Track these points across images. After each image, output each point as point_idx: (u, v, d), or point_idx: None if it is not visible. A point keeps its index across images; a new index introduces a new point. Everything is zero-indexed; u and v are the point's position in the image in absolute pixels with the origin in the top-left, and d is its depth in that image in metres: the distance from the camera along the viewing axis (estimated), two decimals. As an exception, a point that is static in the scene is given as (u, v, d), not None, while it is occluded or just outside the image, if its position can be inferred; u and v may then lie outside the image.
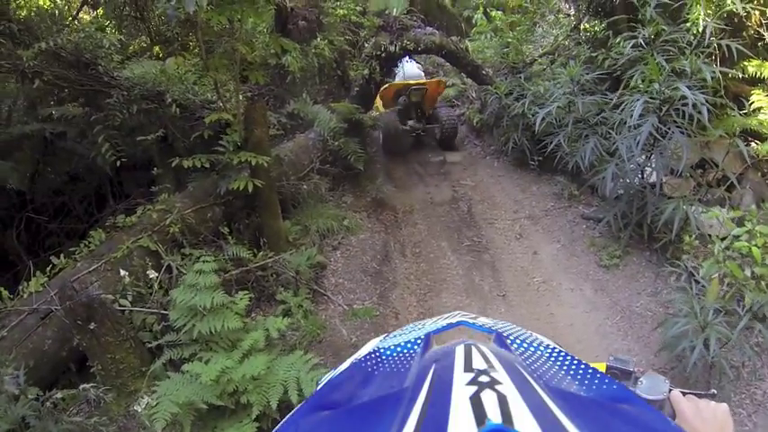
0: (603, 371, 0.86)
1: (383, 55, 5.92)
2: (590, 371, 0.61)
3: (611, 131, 4.35)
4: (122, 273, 3.81)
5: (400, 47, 5.86)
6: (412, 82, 6.82)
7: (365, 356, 0.70)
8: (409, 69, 7.03)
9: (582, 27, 6.41)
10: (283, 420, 0.53)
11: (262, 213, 5.02)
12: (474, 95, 7.68)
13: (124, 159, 4.83)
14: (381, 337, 0.80)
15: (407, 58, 7.04)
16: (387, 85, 6.89)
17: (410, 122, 6.98)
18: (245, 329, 3.50)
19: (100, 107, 4.84)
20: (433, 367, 0.47)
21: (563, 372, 0.62)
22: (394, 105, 7.18)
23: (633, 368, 0.90)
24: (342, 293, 4.65)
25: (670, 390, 0.83)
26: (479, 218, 5.77)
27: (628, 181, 4.18)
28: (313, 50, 6.75)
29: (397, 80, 7.00)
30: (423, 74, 7.31)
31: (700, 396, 0.81)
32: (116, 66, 4.91)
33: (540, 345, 0.69)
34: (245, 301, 3.54)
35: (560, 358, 0.65)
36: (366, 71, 5.98)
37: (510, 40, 6.51)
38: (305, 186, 5.62)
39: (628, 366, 0.90)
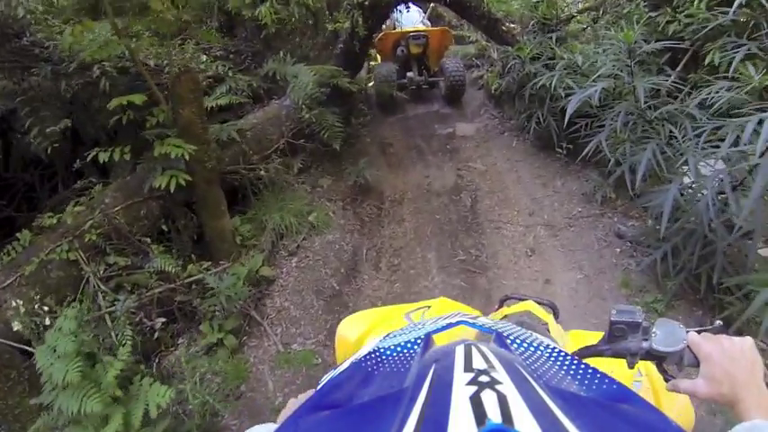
0: (608, 329, 0.82)
1: (366, 3, 4.53)
2: (590, 371, 0.60)
3: (675, 134, 3.02)
4: (14, 303, 2.94)
5: (389, -9, 4.46)
6: (410, 29, 5.81)
7: (365, 356, 0.69)
8: (409, 17, 6.04)
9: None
10: (283, 420, 0.56)
11: (200, 212, 3.97)
12: (495, 56, 6.21)
13: (55, 145, 3.75)
14: (381, 337, 0.79)
15: (405, 6, 5.83)
16: (383, 34, 5.93)
17: (409, 74, 5.95)
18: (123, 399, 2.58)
19: (30, 85, 3.82)
20: (433, 367, 0.46)
21: (563, 372, 0.61)
22: (393, 58, 6.17)
23: (642, 319, 0.80)
24: (283, 324, 3.64)
25: (687, 333, 0.77)
26: (484, 218, 4.54)
27: (693, 219, 2.85)
28: (295, -1, 5.40)
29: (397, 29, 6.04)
30: (428, 23, 6.26)
31: (714, 332, 0.77)
32: (54, 34, 3.84)
33: (540, 345, 0.68)
34: (114, 371, 2.59)
35: (560, 358, 0.64)
36: (347, 24, 4.62)
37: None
38: (263, 172, 4.46)
39: (635, 317, 0.81)
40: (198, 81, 3.80)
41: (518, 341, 0.69)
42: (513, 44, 5.17)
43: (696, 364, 0.76)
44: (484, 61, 6.95)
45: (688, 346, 0.77)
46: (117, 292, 3.25)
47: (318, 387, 0.66)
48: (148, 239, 3.59)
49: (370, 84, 6.26)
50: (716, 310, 2.84)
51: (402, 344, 0.72)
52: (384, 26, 6.31)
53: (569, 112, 3.59)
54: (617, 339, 0.83)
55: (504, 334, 0.70)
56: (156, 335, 3.28)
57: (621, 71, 3.43)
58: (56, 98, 3.91)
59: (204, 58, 5.30)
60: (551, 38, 4.83)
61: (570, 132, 4.45)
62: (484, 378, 0.40)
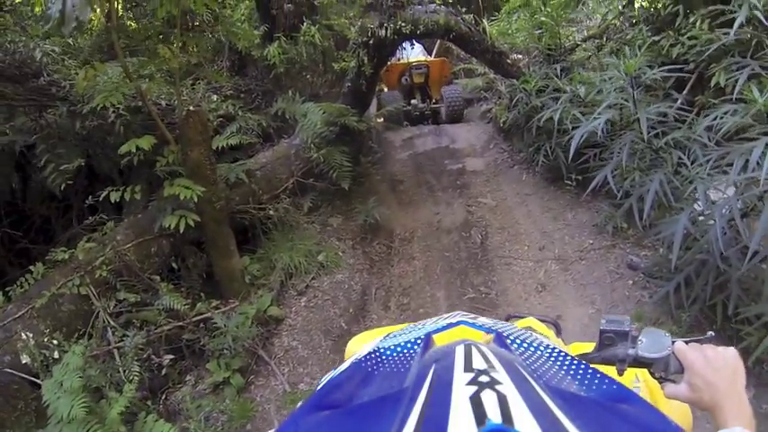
0: (598, 338, 0.83)
1: (371, 42, 4.63)
2: (590, 371, 0.61)
3: (683, 160, 2.95)
4: (24, 336, 3.02)
5: (393, 30, 4.54)
6: (413, 60, 6.26)
7: (365, 356, 0.70)
8: (413, 54, 6.44)
9: (638, 1, 4.86)
10: (283, 420, 0.52)
11: (209, 251, 4.00)
12: (503, 89, 6.27)
13: (69, 182, 3.89)
14: (381, 337, 0.79)
15: (409, 44, 6.35)
16: (389, 65, 6.28)
17: (413, 102, 6.37)
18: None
19: (47, 123, 4.03)
20: (433, 367, 0.46)
21: (563, 372, 0.62)
22: (399, 87, 6.55)
23: (629, 327, 0.84)
24: (290, 364, 3.60)
25: (673, 342, 0.79)
26: (494, 254, 4.47)
27: (705, 247, 2.74)
28: (302, 38, 5.58)
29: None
30: (427, 56, 6.57)
31: (701, 342, 0.79)
32: (71, 74, 4.00)
33: (540, 345, 0.69)
34: (119, 407, 2.58)
35: (560, 358, 0.65)
36: (353, 63, 4.73)
37: (543, 18, 5.03)
38: (272, 212, 4.50)
39: (623, 326, 0.84)
40: (206, 122, 3.89)
41: (518, 341, 0.69)
42: (518, 77, 5.20)
43: (681, 370, 0.78)
44: (492, 94, 7.00)
45: (674, 354, 0.79)
46: (126, 328, 3.27)
47: (318, 387, 0.67)
48: (158, 277, 3.64)
49: (379, 120, 6.34)
50: (734, 341, 2.69)
51: (402, 344, 0.72)
52: (392, 61, 6.65)
53: (574, 146, 3.55)
54: (606, 347, 0.85)
55: (504, 334, 0.70)
56: (163, 371, 3.29)
57: (627, 100, 3.40)
58: (71, 136, 4.07)
59: (215, 97, 5.43)
60: (556, 68, 4.85)
61: (579, 163, 4.39)
62: (484, 378, 0.40)
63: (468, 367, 0.43)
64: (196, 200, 3.59)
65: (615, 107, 3.58)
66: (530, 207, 5.00)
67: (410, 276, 4.40)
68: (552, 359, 0.65)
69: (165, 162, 3.82)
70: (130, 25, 4.49)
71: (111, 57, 5.29)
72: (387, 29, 4.49)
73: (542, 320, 1.29)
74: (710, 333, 0.84)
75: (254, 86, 6.20)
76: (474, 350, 0.48)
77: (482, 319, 0.84)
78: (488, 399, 0.36)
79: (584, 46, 5.28)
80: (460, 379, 0.41)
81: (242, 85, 6.20)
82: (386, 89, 6.70)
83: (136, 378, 2.86)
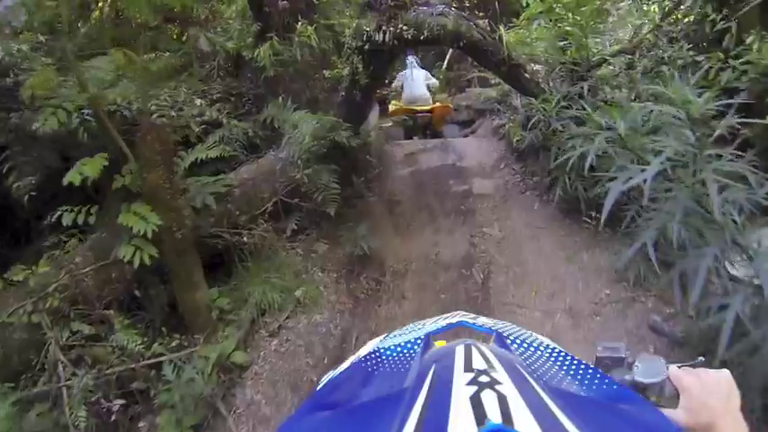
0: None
1: (367, 47, 4.05)
2: (590, 371, 0.62)
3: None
4: None
5: (392, 34, 3.95)
6: (417, 108, 6.28)
7: (365, 356, 0.70)
8: (416, 88, 6.34)
9: (678, 15, 4.22)
10: (284, 420, 0.53)
11: (172, 282, 3.52)
12: (518, 103, 5.66)
13: (33, 193, 3.46)
14: (381, 337, 0.79)
15: (412, 57, 6.38)
16: (394, 107, 6.47)
17: (415, 139, 6.51)
18: None
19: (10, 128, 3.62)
20: (433, 367, 0.47)
21: (563, 372, 0.62)
22: (405, 122, 6.65)
23: (625, 353, 0.83)
24: (250, 422, 3.18)
25: (667, 367, 0.79)
26: (496, 299, 3.90)
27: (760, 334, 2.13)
28: (298, 38, 5.02)
29: (403, 100, 6.41)
30: (428, 93, 6.44)
31: (694, 366, 0.80)
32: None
33: (540, 345, 0.69)
34: None
35: (560, 358, 0.65)
36: (346, 71, 4.15)
37: (569, 28, 4.41)
38: (246, 239, 3.98)
39: (619, 353, 0.83)
40: (168, 139, 3.41)
41: (518, 341, 0.70)
42: (536, 93, 4.59)
43: (676, 395, 0.76)
44: (506, 107, 6.39)
45: (668, 378, 0.77)
46: (77, 364, 2.98)
47: (318, 387, 0.66)
48: (111, 311, 3.22)
49: (387, 124, 5.77)
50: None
51: (402, 344, 0.72)
52: (394, 85, 6.74)
53: (609, 203, 2.63)
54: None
55: (504, 334, 0.71)
56: (112, 417, 2.95)
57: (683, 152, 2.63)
58: (36, 143, 3.59)
59: (199, 102, 4.95)
60: (582, 87, 4.23)
61: (601, 198, 3.78)
62: (484, 378, 0.40)
63: (468, 367, 0.43)
64: (150, 235, 3.11)
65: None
66: (541, 243, 4.41)
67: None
68: (552, 359, 0.65)
69: (122, 183, 3.35)
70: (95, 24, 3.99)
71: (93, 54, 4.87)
72: (385, 33, 3.91)
73: None
74: (701, 358, 0.82)
75: (247, 90, 5.70)
76: (474, 350, 0.48)
77: (482, 320, 0.81)
78: (488, 399, 0.36)
79: (612, 60, 4.63)
80: (460, 379, 0.40)
81: (234, 87, 5.71)
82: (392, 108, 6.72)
83: (82, 424, 2.63)
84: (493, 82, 6.55)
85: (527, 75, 4.73)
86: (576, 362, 0.64)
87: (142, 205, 3.31)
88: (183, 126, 4.38)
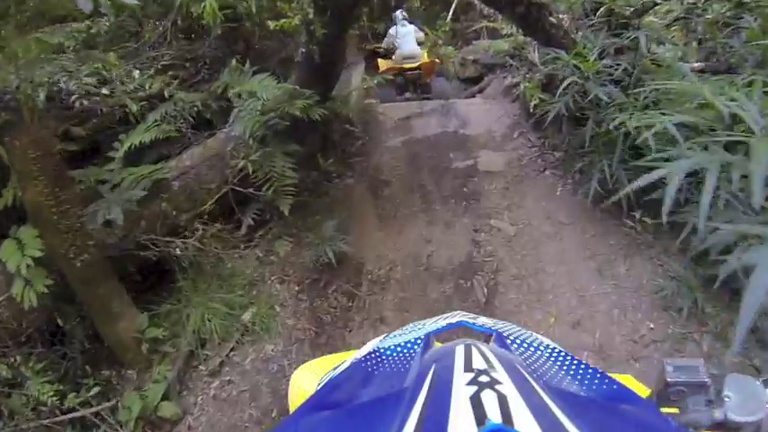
0: (659, 390, 0.66)
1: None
2: (590, 371, 0.60)
3: None
4: None
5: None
6: (407, 66, 6.27)
7: (365, 356, 0.69)
8: (406, 45, 6.29)
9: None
10: (283, 420, 0.52)
11: (89, 313, 2.70)
12: (536, 57, 4.48)
13: None
14: (381, 337, 0.78)
15: (399, 12, 6.44)
16: (385, 67, 6.43)
17: (407, 95, 6.51)
18: None
19: None
20: (433, 367, 0.46)
21: (563, 372, 0.61)
22: (393, 82, 6.36)
23: (707, 377, 0.64)
24: None
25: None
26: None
27: None
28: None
29: (395, 58, 6.40)
30: (419, 49, 6.30)
31: None
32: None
33: (540, 345, 0.68)
34: None
35: (560, 358, 0.64)
36: (297, 20, 3.02)
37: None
38: (178, 251, 3.05)
39: (699, 376, 0.64)
40: (48, 145, 2.44)
41: (518, 341, 0.69)
42: (565, 44, 3.45)
43: None
44: (520, 63, 5.19)
45: None
46: None
47: (319, 387, 0.67)
48: (17, 358, 2.57)
49: (373, 83, 4.71)
50: None
51: (402, 344, 0.71)
52: (385, 43, 6.57)
53: (671, 197, 1.81)
54: (671, 404, 0.65)
55: (504, 334, 0.69)
56: None
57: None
58: None
59: (136, 74, 3.96)
60: (625, 35, 3.10)
61: (649, 192, 2.77)
62: (484, 378, 0.39)
63: (468, 367, 0.43)
64: (25, 270, 2.24)
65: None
66: (564, 244, 3.41)
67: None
68: (552, 359, 0.63)
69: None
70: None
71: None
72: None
73: None
74: None
75: (203, 53, 4.63)
76: (474, 350, 0.47)
77: (482, 320, 0.80)
78: (488, 399, 0.35)
79: (663, 6, 3.44)
80: (460, 379, 0.40)
81: (189, 51, 4.66)
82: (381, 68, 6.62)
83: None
84: (504, 32, 5.31)
85: (552, 19, 3.55)
86: (576, 362, 0.62)
87: (25, 230, 2.45)
88: (120, 105, 3.61)
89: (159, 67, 4.36)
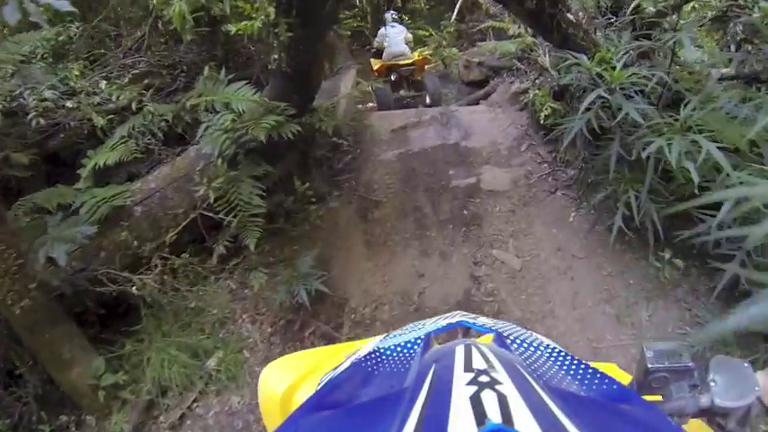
0: (640, 377, 0.65)
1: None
2: (590, 371, 0.59)
3: None
4: None
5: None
6: (401, 62, 6.32)
7: (365, 356, 0.69)
8: (395, 46, 6.36)
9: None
10: (283, 420, 0.52)
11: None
12: (547, 61, 4.00)
13: None
14: (381, 337, 0.78)
15: (389, 14, 6.61)
16: (379, 64, 6.51)
17: (401, 92, 6.58)
18: None
19: None
20: (433, 367, 0.46)
21: (563, 372, 0.61)
22: (387, 77, 6.45)
23: (690, 361, 0.61)
24: None
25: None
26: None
27: None
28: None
29: (384, 57, 6.44)
30: (407, 48, 6.46)
31: None
32: None
33: (540, 345, 0.68)
34: None
35: (560, 358, 0.64)
36: (259, 24, 2.55)
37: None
38: (135, 289, 2.65)
39: (682, 360, 0.61)
40: None
41: (518, 341, 0.68)
42: (584, 47, 2.98)
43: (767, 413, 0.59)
44: (529, 67, 4.71)
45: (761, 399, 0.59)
46: None
47: (319, 387, 0.66)
48: None
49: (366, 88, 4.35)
50: None
51: (402, 344, 0.70)
52: (376, 43, 6.63)
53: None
54: (654, 392, 0.62)
55: (504, 334, 0.69)
56: None
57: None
58: None
59: (103, 84, 3.59)
60: (658, 39, 2.63)
61: (683, 226, 2.33)
62: (484, 378, 0.39)
63: (468, 367, 0.42)
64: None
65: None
66: (577, 283, 2.95)
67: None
68: (552, 359, 0.63)
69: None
70: None
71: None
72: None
73: None
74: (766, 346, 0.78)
75: (179, 59, 4.26)
76: (474, 350, 0.47)
77: (482, 320, 0.80)
78: (488, 399, 0.35)
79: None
80: (460, 379, 0.40)
81: (166, 57, 4.30)
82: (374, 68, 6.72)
83: None
84: (512, 33, 4.82)
85: (569, 16, 3.06)
86: (576, 362, 0.60)
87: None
88: (83, 121, 3.35)
89: (132, 75, 4.01)
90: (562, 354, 0.65)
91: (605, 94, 2.47)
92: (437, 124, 4.60)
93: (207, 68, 3.57)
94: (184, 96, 3.72)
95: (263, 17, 2.42)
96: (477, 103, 5.39)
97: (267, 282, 3.13)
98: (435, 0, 8.82)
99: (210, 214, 3.08)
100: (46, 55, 3.83)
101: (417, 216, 3.67)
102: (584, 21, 3.29)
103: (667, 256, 2.68)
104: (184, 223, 3.13)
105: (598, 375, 0.58)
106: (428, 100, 6.32)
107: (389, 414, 0.40)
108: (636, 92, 2.66)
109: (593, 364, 0.61)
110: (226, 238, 3.22)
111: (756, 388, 0.58)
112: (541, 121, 3.88)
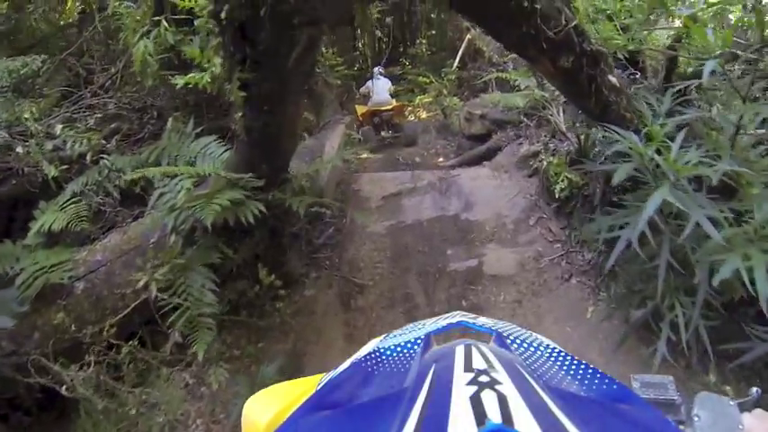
0: None
1: (228, 19, 1.89)
2: (590, 371, 0.58)
3: None
4: None
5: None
6: (382, 108, 7.11)
7: (365, 356, 0.68)
8: (380, 95, 7.21)
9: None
10: (283, 420, 0.52)
11: None
12: (561, 120, 3.54)
13: None
14: (381, 337, 0.76)
15: (377, 69, 7.45)
16: (364, 110, 7.25)
17: (383, 133, 7.30)
18: None
19: None
20: (433, 367, 0.46)
21: (563, 372, 0.60)
22: (371, 122, 7.31)
23: (676, 394, 0.61)
24: None
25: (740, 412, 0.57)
26: None
27: None
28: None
29: (370, 104, 7.21)
30: (390, 98, 7.34)
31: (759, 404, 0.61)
32: None
33: (540, 345, 0.67)
34: None
35: (560, 358, 0.63)
36: (208, 78, 2.03)
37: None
38: (65, 390, 2.13)
39: (667, 393, 0.62)
40: None
41: (518, 341, 0.68)
42: (623, 118, 2.48)
43: None
44: (540, 126, 4.24)
45: None
46: None
47: (318, 387, 0.65)
48: None
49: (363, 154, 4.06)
50: None
51: (402, 344, 0.69)
52: (363, 90, 7.45)
53: None
54: None
55: (504, 334, 0.68)
56: None
57: None
58: None
59: (59, 129, 3.19)
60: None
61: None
62: (484, 378, 0.39)
63: (468, 367, 0.42)
64: None
65: None
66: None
67: None
68: (552, 359, 0.62)
69: None
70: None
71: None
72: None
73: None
74: (755, 390, 0.60)
75: (151, 103, 3.85)
76: (474, 350, 0.47)
77: (482, 320, 0.76)
78: (488, 399, 0.35)
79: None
80: (460, 379, 0.39)
81: (137, 99, 3.90)
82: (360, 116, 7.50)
83: None
84: (516, 84, 4.37)
85: (612, 78, 2.54)
86: (576, 362, 0.59)
87: None
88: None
89: (97, 118, 3.61)
90: (562, 354, 0.62)
91: (671, 198, 1.89)
92: (435, 192, 4.10)
93: (171, 120, 3.12)
94: (147, 149, 3.28)
95: (217, 66, 1.93)
96: (480, 162, 4.92)
97: (228, 380, 2.58)
98: (437, 46, 8.90)
99: (163, 296, 2.54)
100: (5, 89, 3.44)
101: (408, 306, 3.13)
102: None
103: (713, 379, 2.13)
104: (133, 305, 2.61)
105: (598, 375, 0.56)
106: (403, 141, 7.35)
107: (389, 414, 0.39)
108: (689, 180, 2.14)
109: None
110: (183, 323, 2.69)
111: (740, 427, 0.55)
112: (556, 195, 3.38)
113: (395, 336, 0.74)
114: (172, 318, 2.33)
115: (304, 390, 0.84)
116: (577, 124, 3.58)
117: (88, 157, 3.17)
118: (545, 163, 3.58)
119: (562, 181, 3.30)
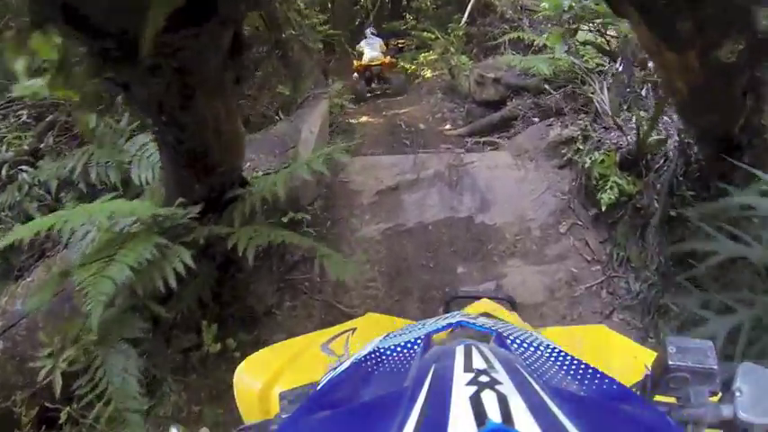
0: (657, 372, 0.55)
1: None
2: (590, 371, 0.58)
3: None
4: None
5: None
6: (373, 63, 7.93)
7: (365, 356, 0.68)
8: (372, 52, 8.02)
9: None
10: (283, 420, 0.54)
11: None
12: (606, 100, 2.76)
13: None
14: (382, 337, 0.77)
15: (369, 30, 8.56)
16: (358, 64, 8.04)
17: (373, 85, 8.08)
18: None
19: None
20: (432, 367, 0.44)
21: (563, 372, 0.60)
22: (363, 76, 8.00)
23: (716, 363, 0.51)
24: None
25: None
26: None
27: None
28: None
29: (363, 60, 7.99)
30: (380, 54, 8.05)
31: None
32: None
33: (540, 345, 0.67)
34: None
35: (560, 358, 0.63)
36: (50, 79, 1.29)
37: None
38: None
39: (707, 362, 0.51)
40: None
41: (518, 341, 0.68)
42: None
43: None
44: (572, 101, 3.44)
45: None
46: None
47: (318, 387, 0.65)
48: None
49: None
50: None
51: (402, 344, 0.70)
52: (358, 48, 8.20)
53: None
54: (670, 392, 0.53)
55: (505, 334, 0.69)
56: None
57: None
58: None
59: None
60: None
61: None
62: (484, 378, 0.39)
63: (468, 367, 0.41)
64: None
65: None
66: None
67: None
68: (552, 359, 0.63)
69: None
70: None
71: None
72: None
73: (495, 299, 1.17)
74: None
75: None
76: (474, 350, 0.46)
77: (482, 320, 0.77)
78: (488, 399, 0.34)
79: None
80: (460, 379, 0.39)
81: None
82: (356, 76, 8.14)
83: None
84: (536, 44, 3.55)
85: None
86: (576, 362, 0.59)
87: None
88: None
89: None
90: (562, 354, 0.62)
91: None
92: (443, 184, 3.32)
93: (95, 115, 2.34)
94: (76, 154, 2.53)
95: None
96: (493, 133, 4.18)
97: None
98: (442, 0, 8.86)
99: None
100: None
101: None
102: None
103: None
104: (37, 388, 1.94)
105: (598, 375, 0.55)
106: (391, 91, 7.99)
107: (389, 414, 0.38)
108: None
109: (580, 328, 0.66)
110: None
111: None
112: (603, 207, 2.64)
113: (395, 335, 0.74)
114: (92, 414, 1.65)
115: (293, 352, 0.92)
116: (624, 107, 2.81)
117: (4, 172, 2.46)
118: (587, 160, 2.81)
119: (611, 188, 2.56)
